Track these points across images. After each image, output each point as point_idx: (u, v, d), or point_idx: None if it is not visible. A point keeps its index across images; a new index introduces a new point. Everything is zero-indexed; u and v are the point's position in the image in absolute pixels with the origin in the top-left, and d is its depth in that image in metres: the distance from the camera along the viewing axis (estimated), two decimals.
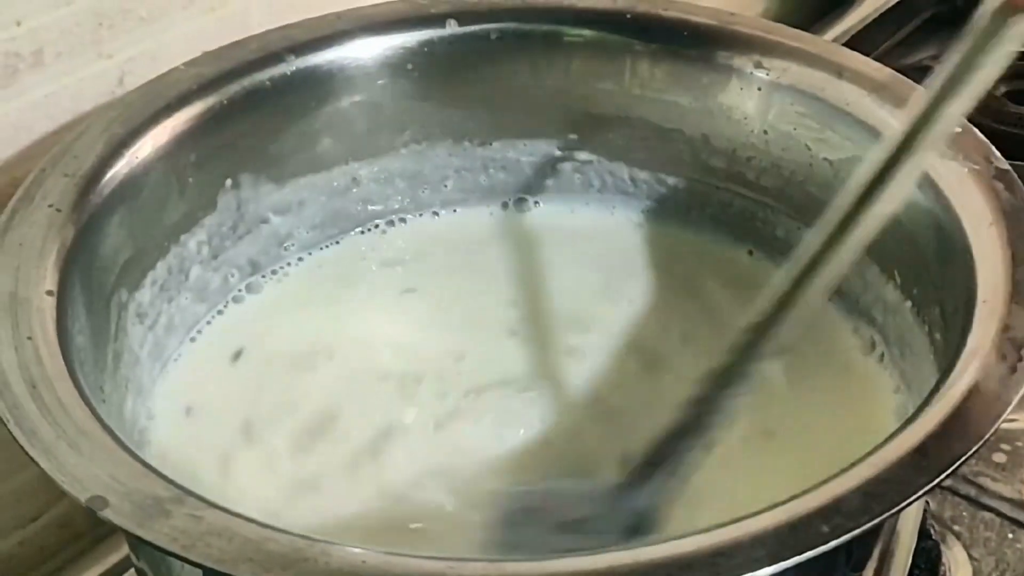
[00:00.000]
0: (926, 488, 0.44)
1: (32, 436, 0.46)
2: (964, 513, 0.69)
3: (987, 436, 0.46)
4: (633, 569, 0.42)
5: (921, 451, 0.45)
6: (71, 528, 0.75)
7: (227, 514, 0.44)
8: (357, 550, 0.43)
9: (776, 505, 0.44)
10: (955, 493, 0.70)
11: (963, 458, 0.45)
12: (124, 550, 0.71)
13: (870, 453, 0.46)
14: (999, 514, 0.69)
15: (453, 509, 0.60)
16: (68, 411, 0.48)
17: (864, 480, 0.44)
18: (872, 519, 0.43)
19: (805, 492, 0.44)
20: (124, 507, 0.44)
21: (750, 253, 0.71)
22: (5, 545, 0.72)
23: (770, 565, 0.41)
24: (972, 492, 0.70)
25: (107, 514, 0.44)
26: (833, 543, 0.42)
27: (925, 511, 0.67)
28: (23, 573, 0.73)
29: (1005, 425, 0.71)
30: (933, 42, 1.07)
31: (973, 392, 0.48)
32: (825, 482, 0.44)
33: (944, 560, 0.66)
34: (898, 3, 1.10)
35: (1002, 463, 0.72)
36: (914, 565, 0.64)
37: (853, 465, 0.45)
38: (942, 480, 0.44)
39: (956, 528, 0.69)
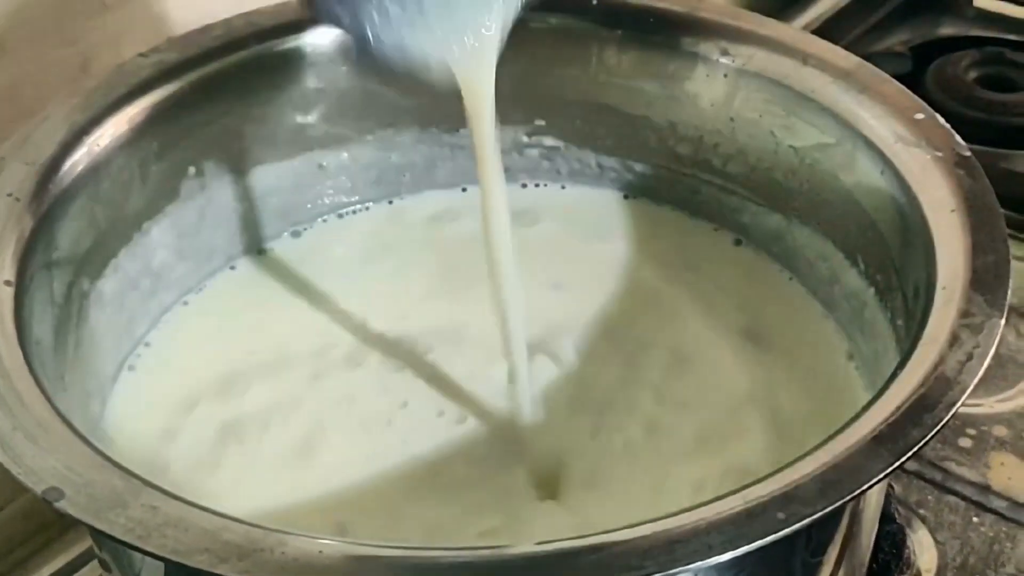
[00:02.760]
0: (882, 475, 0.44)
1: None
2: (929, 497, 0.70)
3: (943, 423, 0.46)
4: (592, 557, 0.42)
5: (878, 438, 0.45)
6: (36, 519, 0.75)
7: (184, 504, 0.44)
8: (314, 540, 0.43)
9: (733, 492, 0.44)
10: (920, 477, 0.70)
11: (919, 445, 0.45)
12: (89, 540, 0.71)
13: (828, 439, 0.46)
14: (964, 498, 0.69)
15: None
16: (25, 402, 0.48)
17: (821, 466, 0.44)
18: (828, 506, 0.43)
19: (762, 479, 0.44)
20: (80, 499, 0.44)
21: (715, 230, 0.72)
22: None
23: (726, 552, 0.42)
24: (937, 476, 0.71)
25: (63, 505, 0.44)
26: (789, 530, 0.42)
27: (889, 495, 0.67)
28: None
29: (970, 410, 0.73)
30: (905, 28, 1.07)
31: (931, 378, 0.47)
32: (782, 469, 0.45)
33: (909, 544, 0.67)
34: None
35: (967, 447, 0.72)
36: (879, 549, 0.64)
37: (810, 451, 0.45)
38: (898, 467, 0.44)
39: (921, 512, 0.69)
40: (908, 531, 0.67)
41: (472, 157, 0.59)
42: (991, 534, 0.68)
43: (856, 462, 0.45)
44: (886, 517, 0.66)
